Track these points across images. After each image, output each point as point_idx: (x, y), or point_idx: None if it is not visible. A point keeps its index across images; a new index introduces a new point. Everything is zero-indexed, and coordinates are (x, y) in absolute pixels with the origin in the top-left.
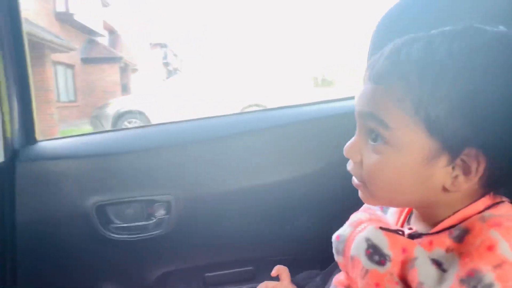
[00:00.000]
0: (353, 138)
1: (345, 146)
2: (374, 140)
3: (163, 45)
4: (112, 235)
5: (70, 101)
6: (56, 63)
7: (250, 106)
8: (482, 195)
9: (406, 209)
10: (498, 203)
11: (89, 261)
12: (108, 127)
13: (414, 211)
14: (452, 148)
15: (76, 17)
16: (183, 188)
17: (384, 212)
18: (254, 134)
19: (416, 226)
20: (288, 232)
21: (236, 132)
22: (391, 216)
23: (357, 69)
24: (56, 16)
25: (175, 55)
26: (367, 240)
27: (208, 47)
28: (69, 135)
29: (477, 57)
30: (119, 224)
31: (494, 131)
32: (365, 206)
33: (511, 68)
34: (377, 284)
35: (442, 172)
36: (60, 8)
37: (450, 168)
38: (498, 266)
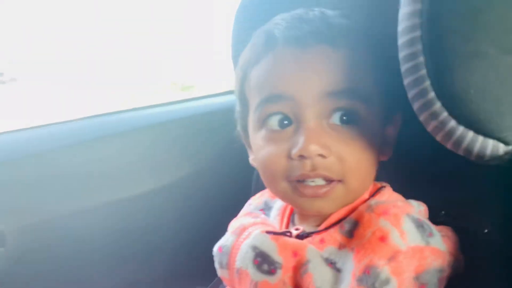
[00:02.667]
0: (305, 131)
1: (305, 144)
2: (345, 122)
3: None
4: None
5: None
6: None
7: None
8: None
9: (288, 210)
10: (380, 189)
11: None
12: None
13: (296, 210)
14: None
15: None
16: (18, 213)
17: (267, 215)
18: (111, 139)
19: (302, 226)
20: (160, 249)
21: (87, 139)
22: (274, 218)
23: (214, 71)
24: None
25: (10, 62)
26: (254, 248)
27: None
28: None
29: None
30: None
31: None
32: (245, 210)
33: None
34: None
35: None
36: None
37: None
38: (392, 258)
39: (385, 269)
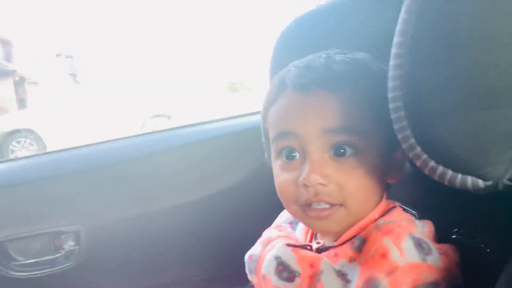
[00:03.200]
0: (309, 163)
1: (308, 174)
2: (342, 154)
3: (68, 56)
4: (15, 273)
5: None
6: None
7: (157, 116)
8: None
9: None
10: (390, 209)
11: None
12: None
13: None
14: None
15: None
16: (92, 216)
17: (294, 228)
18: (162, 154)
19: (323, 240)
20: (205, 251)
21: (145, 153)
22: (300, 233)
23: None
24: None
25: (83, 65)
26: (277, 258)
27: (119, 56)
28: None
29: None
30: (23, 261)
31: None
32: (277, 221)
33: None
34: None
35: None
36: None
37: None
38: (390, 272)
39: (383, 282)
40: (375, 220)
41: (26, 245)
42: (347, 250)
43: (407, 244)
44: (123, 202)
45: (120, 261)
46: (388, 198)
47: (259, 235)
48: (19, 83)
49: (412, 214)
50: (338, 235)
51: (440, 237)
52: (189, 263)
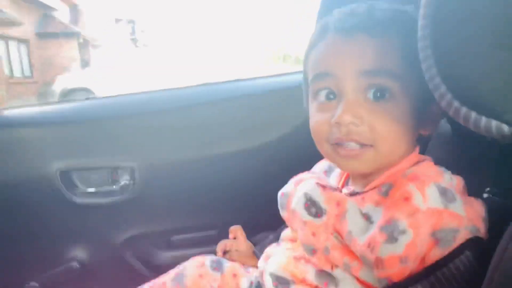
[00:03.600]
0: (344, 103)
1: (341, 113)
2: (378, 97)
3: (130, 21)
4: (78, 199)
5: (26, 77)
6: (7, 38)
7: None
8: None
9: (345, 174)
10: (420, 162)
11: (56, 226)
12: None
13: (351, 175)
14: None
15: None
16: (146, 155)
17: (328, 176)
18: (214, 104)
19: (354, 187)
20: (249, 198)
21: (196, 103)
22: (333, 179)
23: None
24: None
25: (142, 31)
26: (306, 194)
27: (175, 23)
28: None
29: None
30: (84, 189)
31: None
32: (312, 169)
33: None
34: (313, 234)
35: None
36: None
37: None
38: (411, 215)
39: (403, 222)
40: (405, 170)
41: (87, 176)
42: (374, 195)
43: (431, 190)
44: (173, 146)
45: (168, 199)
46: (426, 156)
47: None
48: (83, 45)
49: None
50: (368, 181)
51: (472, 194)
52: (228, 208)
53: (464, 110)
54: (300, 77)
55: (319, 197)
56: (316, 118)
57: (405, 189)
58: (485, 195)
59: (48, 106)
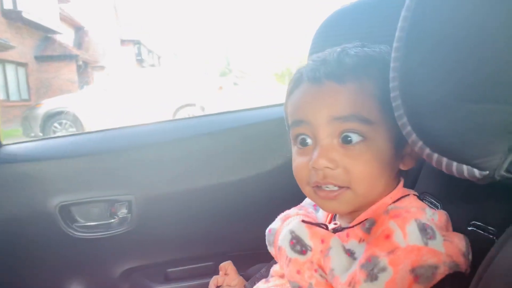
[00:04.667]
0: (318, 148)
1: (316, 158)
2: (350, 141)
3: (136, 42)
4: (76, 233)
5: (23, 100)
6: (4, 61)
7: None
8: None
9: None
10: (404, 196)
11: (54, 260)
12: (37, 129)
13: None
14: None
15: (24, 15)
16: (143, 188)
17: (317, 210)
18: (212, 135)
19: (340, 222)
20: (244, 229)
21: (194, 135)
22: (322, 214)
23: None
24: (3, 13)
25: (150, 51)
26: (291, 232)
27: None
28: (31, 138)
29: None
30: (83, 223)
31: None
32: (303, 203)
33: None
34: (298, 271)
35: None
36: (8, 5)
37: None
38: (391, 252)
39: (384, 260)
40: (387, 205)
41: (87, 209)
42: (358, 231)
43: (411, 228)
44: (169, 177)
45: (165, 231)
46: (417, 188)
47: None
48: (83, 67)
49: (434, 204)
50: (353, 216)
51: (457, 227)
52: (225, 239)
53: (435, 156)
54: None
55: (304, 233)
56: (297, 162)
57: (386, 226)
58: (469, 228)
59: (48, 140)
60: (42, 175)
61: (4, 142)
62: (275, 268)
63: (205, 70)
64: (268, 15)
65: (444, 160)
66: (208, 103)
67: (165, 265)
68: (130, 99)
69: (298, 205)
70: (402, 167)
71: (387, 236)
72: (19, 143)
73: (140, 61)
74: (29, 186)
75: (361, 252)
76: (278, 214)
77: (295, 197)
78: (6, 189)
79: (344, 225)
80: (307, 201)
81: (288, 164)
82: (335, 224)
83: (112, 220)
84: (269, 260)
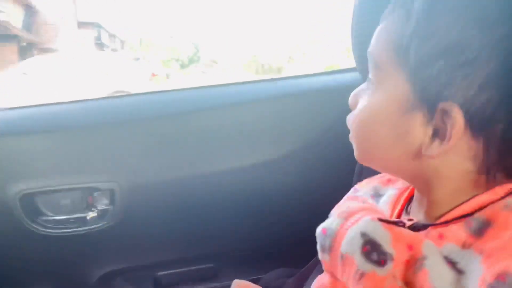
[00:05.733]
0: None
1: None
2: (369, 80)
3: (96, 25)
4: (43, 229)
5: None
6: None
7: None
8: (488, 182)
9: (403, 198)
10: None
11: (14, 260)
12: None
13: (415, 198)
14: (429, 101)
15: None
16: (129, 173)
17: (376, 201)
18: (217, 111)
19: (417, 217)
20: (256, 223)
21: (195, 108)
22: (384, 206)
23: (308, 52)
24: None
25: (112, 35)
26: (363, 234)
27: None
28: None
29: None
30: (52, 216)
31: (468, 84)
32: (351, 194)
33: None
34: None
35: (419, 130)
36: None
37: (429, 128)
38: None
39: None
40: (499, 198)
41: (56, 199)
42: (459, 232)
43: None
44: (166, 161)
45: (157, 227)
46: None
47: (326, 207)
48: (27, 49)
49: None
50: (440, 209)
51: None
52: (230, 237)
53: None
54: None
55: (384, 236)
56: None
57: None
58: None
59: (5, 111)
60: None
61: None
62: (322, 281)
63: (140, 57)
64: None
65: None
66: (138, 91)
67: (155, 268)
68: (52, 85)
69: (348, 197)
70: (424, 152)
71: None
72: None
73: (100, 45)
74: None
75: (470, 263)
76: (294, 206)
77: (317, 186)
78: None
79: (425, 221)
80: (359, 191)
81: (306, 148)
82: (410, 220)
83: (89, 213)
84: (289, 263)
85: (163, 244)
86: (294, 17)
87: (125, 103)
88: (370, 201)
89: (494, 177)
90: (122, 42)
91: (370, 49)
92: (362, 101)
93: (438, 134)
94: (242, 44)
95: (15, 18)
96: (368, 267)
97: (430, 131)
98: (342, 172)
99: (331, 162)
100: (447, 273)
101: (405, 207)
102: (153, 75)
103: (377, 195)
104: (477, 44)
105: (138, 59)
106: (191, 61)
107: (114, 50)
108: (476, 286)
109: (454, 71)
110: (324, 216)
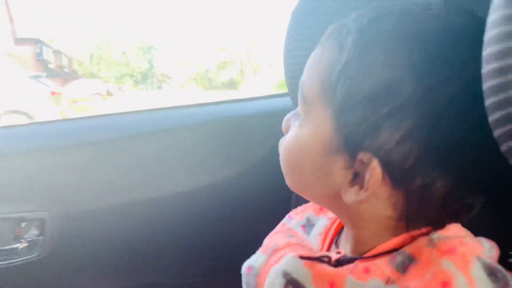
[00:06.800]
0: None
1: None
2: (298, 116)
3: (36, 41)
4: None
5: None
6: None
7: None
8: (408, 229)
9: (333, 229)
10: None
11: None
12: None
13: (344, 230)
14: (350, 147)
15: None
16: (61, 201)
17: (308, 232)
18: (154, 135)
19: (345, 249)
20: (195, 252)
21: (131, 134)
22: (315, 238)
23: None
24: None
25: (57, 51)
26: (285, 274)
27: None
28: None
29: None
30: None
31: (388, 136)
32: (284, 222)
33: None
34: None
35: (340, 173)
36: None
37: (349, 172)
38: None
39: None
40: (424, 233)
41: None
42: (383, 266)
43: (477, 272)
44: (100, 187)
45: (93, 257)
46: None
47: (262, 236)
48: None
49: None
50: (370, 244)
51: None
52: (175, 264)
53: None
54: (258, 103)
55: (304, 276)
56: None
57: (440, 267)
58: (510, 260)
59: None
60: None
61: None
62: None
63: (38, 74)
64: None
65: None
66: (36, 110)
67: None
68: None
69: (281, 228)
70: (343, 196)
71: (445, 284)
72: None
73: (42, 61)
74: None
75: None
76: (232, 233)
77: (256, 213)
78: None
79: (351, 254)
80: (291, 221)
81: (243, 174)
82: (338, 252)
83: (18, 245)
84: None
85: (98, 277)
86: (244, 32)
87: (56, 128)
88: (301, 232)
89: (413, 225)
90: (70, 58)
91: (301, 79)
92: (292, 128)
93: (358, 178)
94: (194, 59)
95: None
96: None
97: (350, 176)
98: (281, 197)
99: (271, 186)
100: None
101: (335, 238)
102: (53, 93)
103: (309, 225)
104: (405, 92)
105: (37, 77)
106: (145, 77)
107: (59, 67)
108: None
109: (377, 121)
110: (259, 244)
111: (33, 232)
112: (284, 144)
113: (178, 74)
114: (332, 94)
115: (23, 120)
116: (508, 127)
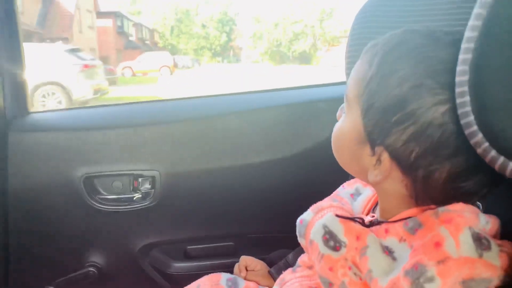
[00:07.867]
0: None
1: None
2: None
3: (117, 14)
4: (99, 205)
5: None
6: None
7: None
8: (417, 205)
9: (373, 199)
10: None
11: (76, 230)
12: None
13: (379, 201)
14: (370, 141)
15: None
16: (168, 164)
17: (354, 199)
18: (240, 115)
19: (378, 215)
20: (269, 211)
21: (222, 113)
22: (359, 204)
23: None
24: None
25: (138, 24)
26: (324, 226)
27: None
28: (58, 108)
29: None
30: (106, 195)
31: (396, 138)
32: (337, 191)
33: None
34: (330, 268)
35: (367, 159)
36: None
37: (372, 159)
38: (441, 262)
39: (432, 269)
40: (432, 208)
41: (109, 182)
42: (399, 229)
43: (465, 237)
44: (195, 155)
45: (187, 208)
46: None
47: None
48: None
49: (476, 206)
50: (393, 212)
51: (504, 232)
52: (247, 221)
53: (501, 159)
54: (324, 90)
55: (338, 229)
56: None
57: (437, 232)
58: None
59: (75, 110)
60: (68, 146)
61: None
62: (303, 258)
63: (75, 47)
64: None
65: (510, 165)
66: (70, 81)
67: (185, 243)
68: None
69: (333, 194)
70: (369, 177)
71: (438, 244)
72: (46, 112)
73: (122, 34)
74: (55, 155)
75: (401, 253)
76: (301, 199)
77: (320, 183)
78: (32, 157)
79: (382, 218)
80: (343, 190)
81: (314, 149)
82: (372, 216)
83: (135, 195)
84: (291, 245)
85: (193, 223)
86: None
87: (162, 106)
88: (348, 199)
89: (421, 202)
90: (151, 31)
91: (348, 81)
92: (342, 118)
93: (379, 164)
94: (268, 32)
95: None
96: (327, 251)
97: (373, 161)
98: (339, 172)
99: (331, 163)
100: (383, 260)
101: (374, 206)
102: (86, 66)
103: (357, 193)
104: (409, 107)
105: (73, 50)
106: (223, 49)
107: (140, 39)
108: (399, 270)
109: (388, 126)
110: None
111: (147, 186)
112: (334, 130)
113: (253, 47)
114: (361, 99)
115: (58, 90)
116: (473, 141)
